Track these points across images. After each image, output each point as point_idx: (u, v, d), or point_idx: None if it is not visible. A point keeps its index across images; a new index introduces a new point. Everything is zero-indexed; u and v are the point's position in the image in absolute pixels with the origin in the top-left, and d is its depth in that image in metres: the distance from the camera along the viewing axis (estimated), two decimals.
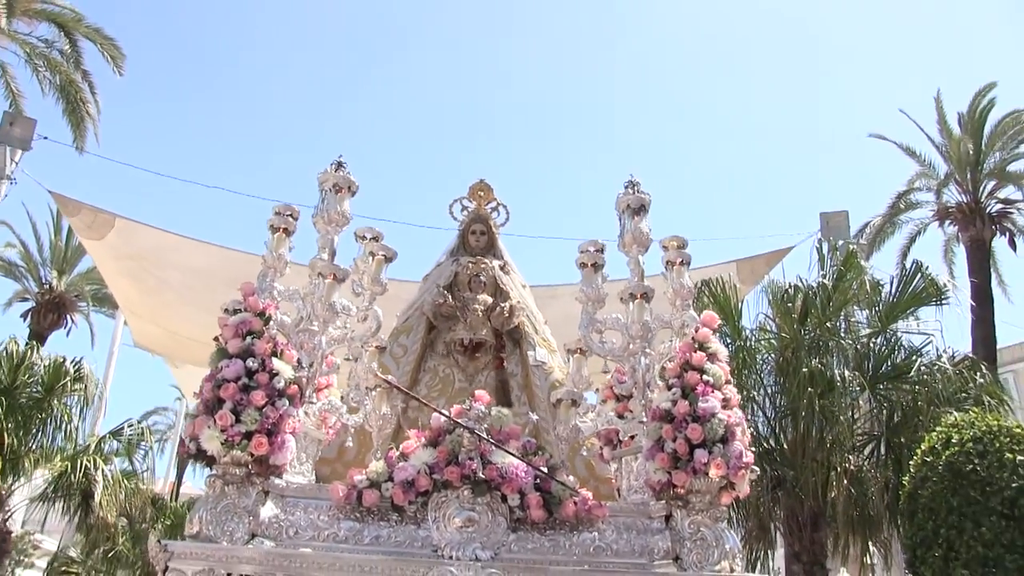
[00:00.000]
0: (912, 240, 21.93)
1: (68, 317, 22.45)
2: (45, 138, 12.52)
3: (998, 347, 19.69)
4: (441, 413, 4.72)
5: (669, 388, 4.78)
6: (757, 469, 4.70)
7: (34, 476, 13.25)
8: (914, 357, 11.26)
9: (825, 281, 11.82)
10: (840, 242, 13.75)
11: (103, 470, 13.04)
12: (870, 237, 21.52)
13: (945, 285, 12.00)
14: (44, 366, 12.87)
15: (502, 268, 6.73)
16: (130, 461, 13.87)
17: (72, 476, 12.70)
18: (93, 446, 13.47)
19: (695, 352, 4.85)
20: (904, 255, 21.49)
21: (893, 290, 11.92)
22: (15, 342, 13.13)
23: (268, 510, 4.47)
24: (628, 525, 4.69)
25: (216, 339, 4.76)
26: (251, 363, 4.52)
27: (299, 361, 4.81)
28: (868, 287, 11.98)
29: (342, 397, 5.30)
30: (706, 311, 5.13)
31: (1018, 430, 7.94)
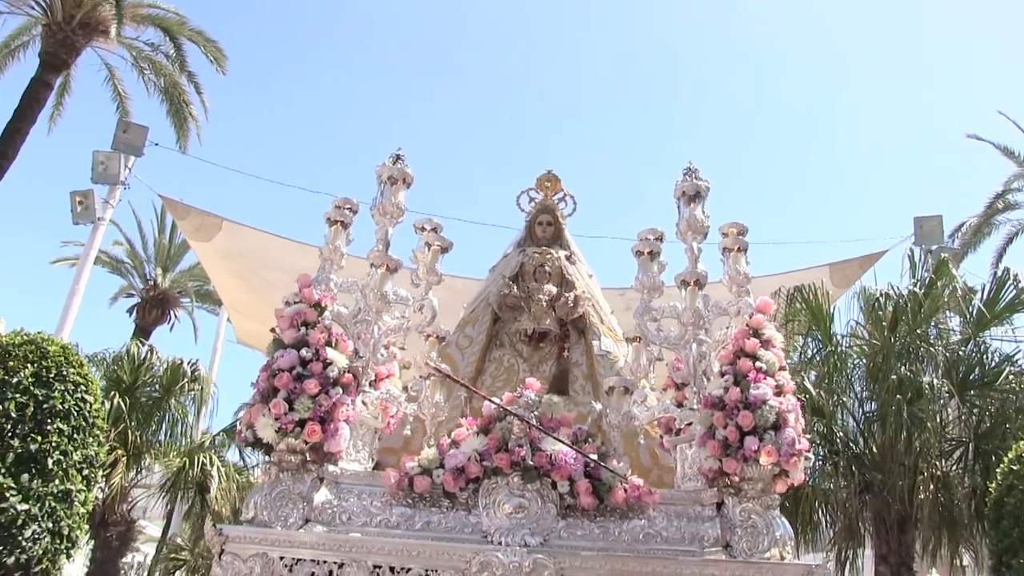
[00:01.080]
0: (1009, 241, 21.43)
1: (171, 313, 23.36)
2: (156, 144, 13.10)
3: None
4: (491, 400, 4.76)
5: (722, 375, 4.72)
6: (812, 456, 4.61)
7: (152, 470, 13.92)
8: (1004, 365, 11.19)
9: (916, 289, 11.78)
10: (934, 247, 13.86)
11: (218, 465, 13.66)
12: (965, 237, 21.06)
13: None
14: (163, 367, 13.60)
15: (568, 258, 6.72)
16: (241, 456, 14.47)
17: (190, 471, 13.33)
18: (208, 442, 14.13)
19: (749, 339, 4.78)
20: (1000, 256, 21.17)
21: (985, 296, 11.80)
22: (137, 344, 13.89)
23: (322, 496, 4.60)
24: (679, 512, 4.65)
25: (273, 330, 4.91)
26: (305, 353, 4.65)
27: (356, 351, 4.92)
28: (960, 294, 11.88)
29: (405, 387, 5.38)
30: (762, 297, 5.01)
31: None
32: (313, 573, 4.31)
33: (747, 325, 4.86)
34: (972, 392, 11.13)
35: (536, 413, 4.72)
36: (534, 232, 6.89)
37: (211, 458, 13.41)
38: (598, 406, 5.68)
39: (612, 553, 4.39)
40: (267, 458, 4.67)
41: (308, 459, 4.60)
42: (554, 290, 6.39)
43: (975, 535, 10.97)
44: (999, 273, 12.26)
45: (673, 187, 5.39)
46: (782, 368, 4.73)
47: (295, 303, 4.97)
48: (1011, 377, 11.02)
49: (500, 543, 4.36)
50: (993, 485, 8.93)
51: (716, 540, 4.49)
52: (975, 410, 11.15)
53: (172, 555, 15.17)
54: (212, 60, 17.49)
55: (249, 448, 4.72)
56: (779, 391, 4.58)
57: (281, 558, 4.33)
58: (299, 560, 4.33)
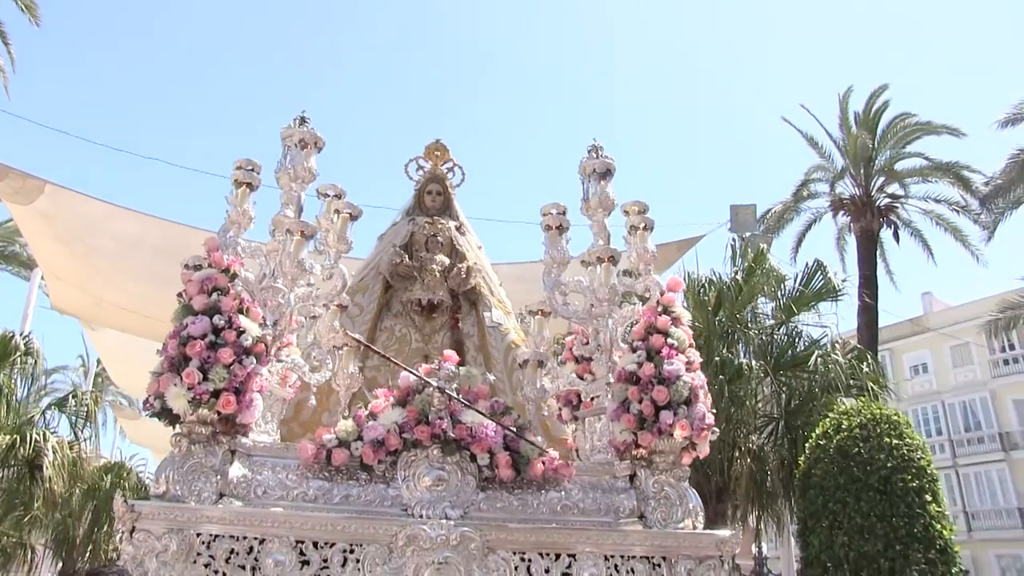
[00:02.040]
0: (808, 228, 23.76)
1: None
2: None
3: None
4: (412, 372, 4.70)
5: (634, 350, 4.85)
6: (718, 430, 4.82)
7: None
8: (812, 348, 12.57)
9: (738, 277, 13.01)
10: (747, 234, 14.98)
11: (53, 443, 12.90)
12: (770, 223, 22.99)
13: (842, 283, 13.59)
14: None
15: (458, 229, 6.70)
16: (73, 431, 13.75)
17: (21, 449, 12.51)
18: (38, 417, 13.35)
19: (659, 316, 4.93)
20: (799, 241, 23.58)
21: (796, 285, 13.24)
22: None
23: (236, 469, 4.40)
24: (593, 484, 4.75)
25: (179, 295, 4.65)
26: (217, 320, 4.42)
27: (264, 319, 4.73)
28: (774, 282, 13.26)
29: (303, 356, 5.23)
30: (672, 275, 5.19)
31: (895, 417, 9.50)
32: (233, 549, 4.14)
33: (657, 302, 5.00)
34: (784, 373, 12.44)
35: (455, 385, 4.70)
36: (423, 201, 6.80)
37: (44, 434, 12.63)
38: (491, 377, 5.73)
39: (532, 524, 4.46)
40: (174, 429, 4.43)
41: (218, 431, 4.39)
42: (447, 261, 6.35)
43: (781, 503, 12.13)
44: (808, 263, 13.67)
45: (578, 164, 5.47)
46: (691, 345, 4.92)
47: (198, 267, 4.71)
48: (818, 359, 12.28)
49: (421, 516, 4.33)
50: (801, 458, 10.10)
51: (632, 511, 4.63)
52: (785, 389, 12.45)
53: None
54: (23, 8, 16.08)
55: (156, 418, 4.43)
56: (690, 367, 4.77)
57: (198, 534, 4.13)
58: (217, 536, 4.15)
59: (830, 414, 10.16)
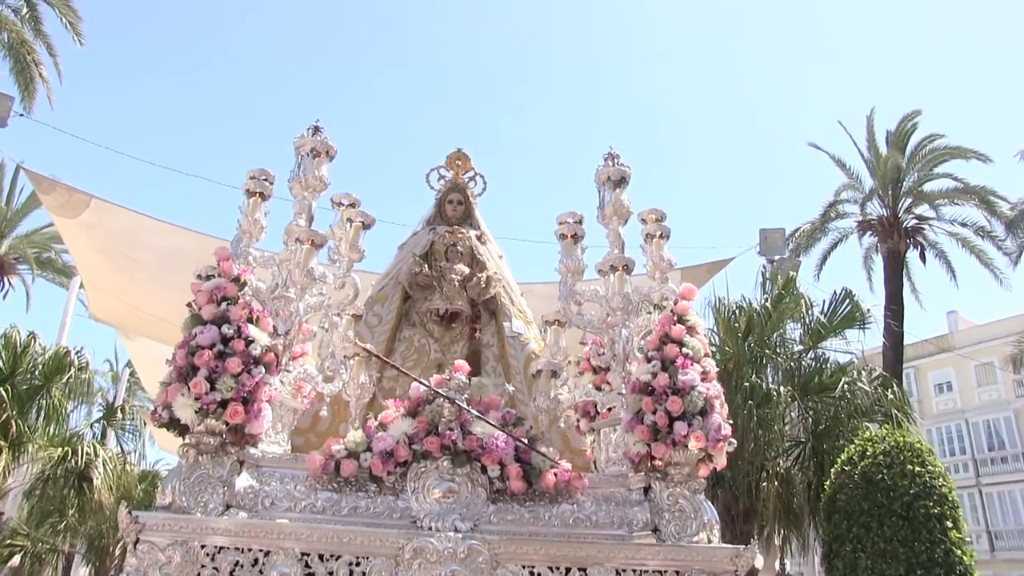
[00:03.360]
0: (834, 247, 23.83)
1: (6, 280, 22.06)
2: (21, 115, 12.32)
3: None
4: (421, 383, 4.65)
5: (648, 360, 4.75)
6: (735, 442, 4.70)
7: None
8: (839, 375, 12.82)
9: (767, 304, 13.25)
10: (777, 257, 15.21)
11: (103, 456, 13.17)
12: (799, 243, 23.38)
13: (869, 311, 13.84)
14: (47, 355, 13.10)
15: (479, 238, 6.63)
16: (118, 443, 14.01)
17: (73, 460, 12.78)
18: (88, 431, 13.65)
19: (674, 325, 4.83)
20: (824, 259, 23.66)
21: (824, 310, 13.50)
22: (17, 331, 13.20)
23: (243, 480, 4.39)
24: (607, 497, 4.67)
25: (189, 305, 4.64)
26: (226, 329, 4.41)
27: (275, 328, 4.71)
28: (803, 309, 13.51)
29: (317, 366, 5.20)
30: (685, 284, 5.09)
31: (918, 445, 9.69)
32: (237, 562, 4.11)
33: (672, 312, 4.90)
34: (811, 397, 12.70)
35: (466, 396, 4.64)
36: (444, 211, 6.75)
37: (94, 447, 12.92)
38: (510, 388, 5.65)
39: (545, 538, 4.38)
40: (183, 440, 4.42)
41: (227, 441, 4.37)
42: (466, 270, 6.28)
43: (806, 525, 12.65)
44: (837, 291, 13.83)
45: (594, 173, 5.40)
46: (706, 355, 4.81)
47: (210, 276, 4.70)
48: (845, 385, 12.57)
49: (430, 528, 4.27)
50: (827, 483, 10.36)
51: (645, 524, 4.52)
52: (812, 413, 12.74)
53: (7, 540, 14.38)
54: (67, 25, 16.46)
55: (164, 428, 4.43)
56: (705, 377, 4.66)
57: (203, 546, 4.10)
58: (222, 548, 4.12)
59: (856, 440, 10.39)
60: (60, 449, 12.86)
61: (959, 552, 8.84)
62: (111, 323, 13.22)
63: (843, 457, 10.09)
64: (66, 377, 13.09)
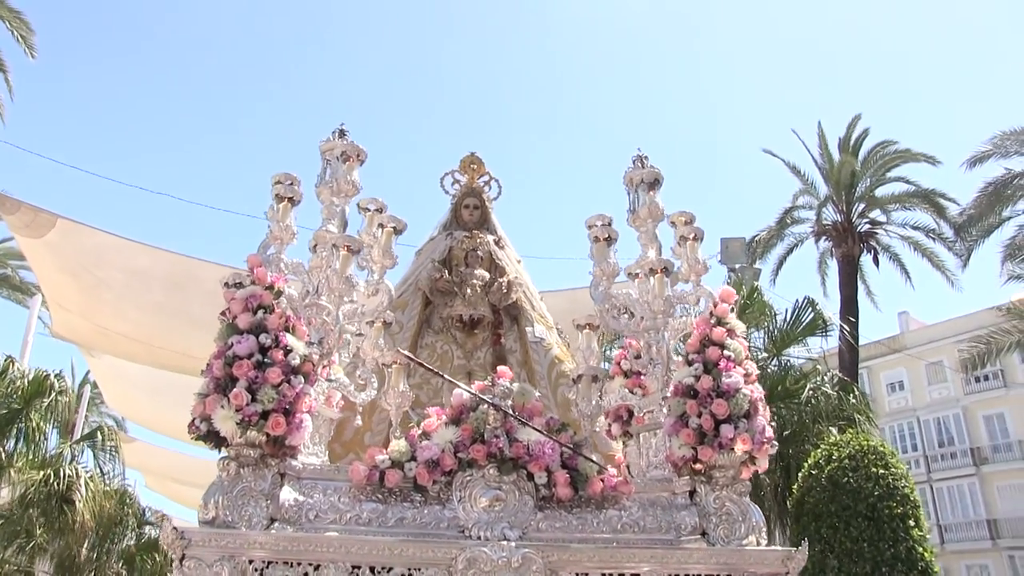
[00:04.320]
0: (790, 252, 24.78)
1: None
2: None
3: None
4: (466, 389, 4.57)
5: (690, 363, 4.71)
6: (777, 444, 4.68)
7: None
8: (803, 382, 13.46)
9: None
10: (738, 265, 15.72)
11: (85, 478, 12.98)
12: (756, 247, 24.17)
13: (830, 318, 14.51)
14: (26, 380, 13.06)
15: (497, 243, 6.56)
16: (97, 464, 13.85)
17: (55, 483, 12.57)
18: (69, 454, 13.46)
19: (714, 327, 4.79)
20: (780, 264, 24.60)
21: (787, 319, 14.03)
22: None
23: (287, 493, 4.25)
24: (653, 501, 4.61)
25: (223, 314, 4.51)
26: (264, 339, 4.28)
27: (308, 337, 4.60)
28: (767, 317, 14.05)
29: (347, 374, 5.09)
30: (723, 286, 5.07)
31: (882, 448, 10.22)
32: None
33: (711, 314, 4.87)
34: (777, 403, 12.80)
35: (510, 402, 4.56)
36: (460, 216, 6.66)
37: (76, 470, 12.73)
38: (536, 393, 5.58)
39: (596, 545, 4.32)
40: (221, 453, 4.28)
41: (266, 453, 4.25)
42: (487, 275, 6.21)
43: (776, 528, 12.85)
44: (799, 300, 14.35)
45: (622, 174, 5.35)
46: (747, 357, 4.79)
47: (238, 284, 4.56)
48: (809, 391, 13.27)
49: (479, 537, 4.19)
50: (795, 486, 10.82)
51: (693, 528, 4.48)
52: (777, 419, 12.67)
53: None
54: (19, 38, 16.01)
55: (201, 441, 4.29)
56: (747, 379, 4.64)
57: (250, 561, 3.98)
58: (271, 563, 4.00)
59: (821, 444, 10.90)
60: (40, 472, 12.65)
61: (920, 549, 9.39)
62: (74, 340, 13.01)
63: (810, 461, 10.54)
64: (46, 401, 12.95)
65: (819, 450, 10.57)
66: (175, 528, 3.97)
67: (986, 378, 34.43)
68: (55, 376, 13.45)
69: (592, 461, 4.50)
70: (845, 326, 19.19)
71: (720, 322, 4.82)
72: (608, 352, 10.11)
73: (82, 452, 14.44)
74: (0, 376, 12.74)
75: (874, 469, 9.76)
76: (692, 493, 4.60)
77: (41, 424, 13.01)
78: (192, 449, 17.70)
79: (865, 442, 10.30)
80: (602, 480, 4.48)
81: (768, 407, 12.11)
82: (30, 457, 12.87)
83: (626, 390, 5.30)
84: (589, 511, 4.47)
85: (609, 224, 5.26)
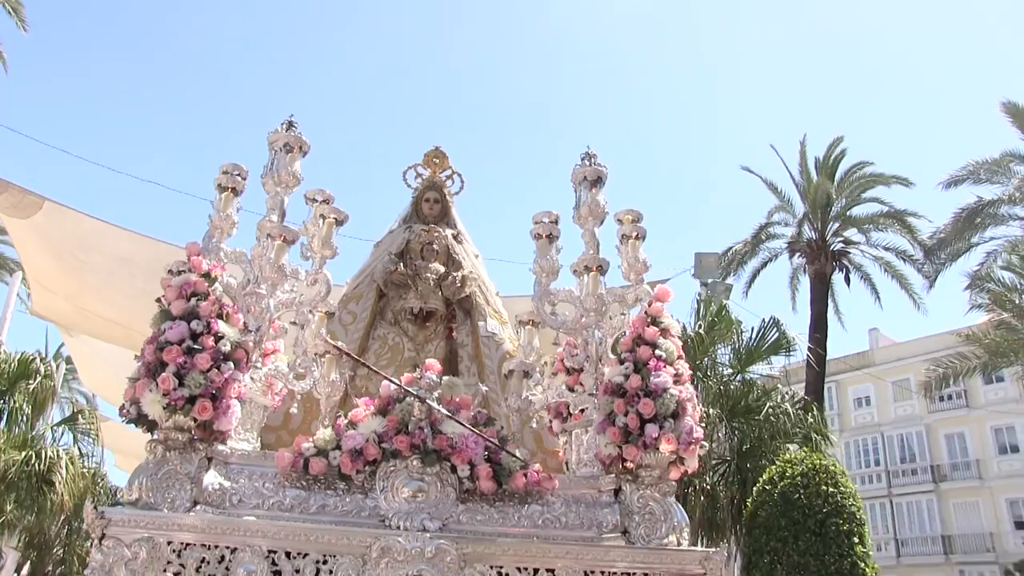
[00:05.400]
0: (763, 266, 25.33)
1: None
2: None
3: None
4: (392, 381, 4.62)
5: (621, 362, 4.74)
6: (706, 444, 4.70)
7: None
8: (764, 399, 13.81)
9: (701, 331, 14.11)
10: (710, 280, 16.01)
11: (65, 459, 13.17)
12: (730, 260, 24.62)
13: (794, 338, 14.96)
14: (13, 363, 13.17)
15: (455, 237, 6.59)
16: (76, 445, 14.05)
17: (37, 464, 12.76)
18: (49, 435, 13.67)
19: (648, 326, 4.82)
20: (753, 278, 25.12)
21: (753, 336, 14.44)
22: None
23: (211, 477, 4.35)
24: (577, 498, 4.65)
25: (159, 300, 4.60)
26: (195, 325, 4.37)
27: (245, 325, 4.67)
28: (735, 333, 14.47)
29: (288, 364, 5.17)
30: (660, 285, 5.09)
31: (833, 468, 10.68)
32: (204, 559, 4.07)
33: (645, 313, 4.90)
34: (738, 419, 13.56)
35: (437, 394, 4.61)
36: (421, 209, 6.70)
37: (58, 451, 12.94)
38: (484, 388, 5.63)
39: (514, 539, 4.36)
40: (151, 436, 4.38)
41: (195, 437, 4.33)
42: (441, 269, 6.23)
43: (730, 539, 13.42)
44: (765, 319, 14.77)
45: (571, 171, 5.37)
46: (680, 357, 4.80)
47: (180, 272, 4.66)
48: (769, 408, 13.61)
49: (399, 527, 4.25)
50: (750, 499, 11.30)
51: (615, 526, 4.52)
52: (738, 434, 13.57)
53: None
54: (11, 11, 15.98)
55: (132, 424, 4.39)
56: (678, 379, 4.65)
57: (169, 543, 4.06)
58: (188, 545, 4.09)
59: (777, 461, 11.34)
60: (22, 452, 12.85)
61: (863, 565, 9.87)
62: (54, 320, 13.13)
63: (765, 477, 11.02)
64: (32, 384, 13.16)
65: (774, 467, 11.07)
66: (95, 507, 4.07)
67: (949, 398, 35.21)
68: (40, 360, 13.61)
69: (515, 456, 4.54)
70: (812, 347, 19.87)
71: (654, 321, 4.84)
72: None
73: (62, 433, 14.60)
74: None
75: (824, 487, 10.26)
76: (618, 491, 4.63)
77: (24, 406, 13.18)
78: None
79: (818, 461, 10.80)
80: (525, 475, 4.52)
81: (729, 422, 12.60)
82: (13, 436, 13.04)
83: (563, 387, 5.33)
84: (511, 505, 4.52)
85: (554, 222, 5.28)
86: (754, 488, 11.28)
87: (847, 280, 25.04)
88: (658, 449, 4.46)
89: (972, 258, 22.28)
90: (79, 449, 14.28)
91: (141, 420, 4.33)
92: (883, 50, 64.85)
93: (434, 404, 4.51)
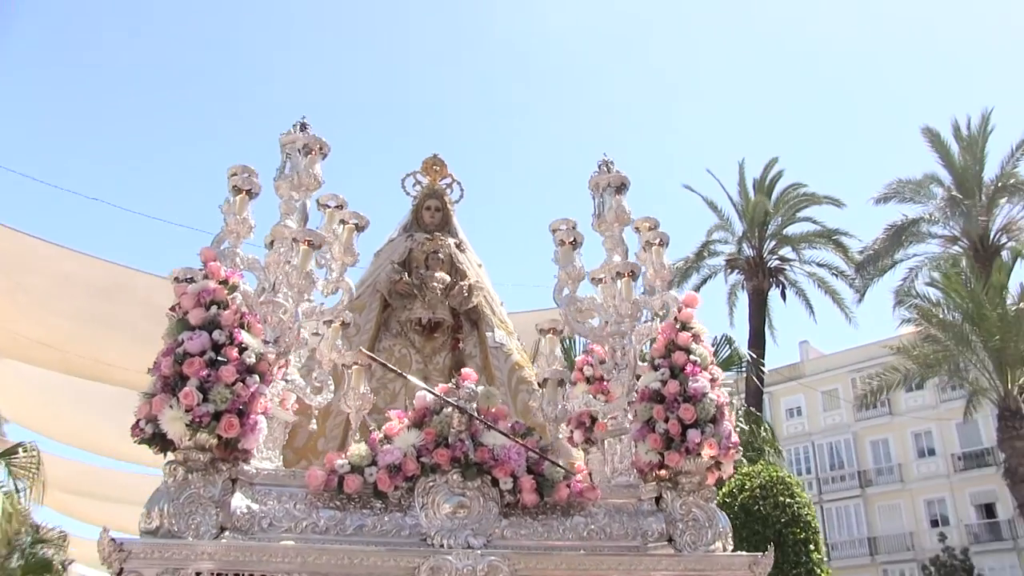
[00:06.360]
0: (704, 282, 26.44)
1: None
2: None
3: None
4: (431, 391, 4.40)
5: (656, 368, 4.61)
6: (742, 449, 4.62)
7: None
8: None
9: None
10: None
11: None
12: (674, 277, 24.29)
13: (746, 355, 16.16)
14: None
15: (458, 246, 6.39)
16: (13, 483, 13.25)
17: None
18: None
19: (679, 332, 4.71)
20: (696, 291, 25.20)
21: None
22: None
23: (238, 500, 4.02)
24: (619, 508, 4.52)
25: (172, 309, 4.27)
26: (217, 336, 4.06)
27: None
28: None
29: (303, 375, 4.90)
30: (688, 291, 4.99)
31: (788, 479, 11.28)
32: None
33: (676, 319, 4.79)
34: None
35: (474, 405, 4.41)
36: (421, 217, 6.47)
37: None
38: (500, 397, 5.45)
39: (562, 552, 4.19)
40: (167, 457, 4.03)
41: (216, 457, 4.01)
42: (448, 278, 6.03)
43: None
44: (717, 337, 15.58)
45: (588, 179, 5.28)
46: (712, 362, 4.71)
47: (189, 279, 4.32)
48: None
49: (442, 545, 4.04)
50: None
51: (660, 535, 4.40)
52: None
53: None
54: None
55: (146, 444, 4.04)
56: (714, 384, 4.56)
57: (198, 574, 3.73)
58: (219, 575, 3.78)
59: (736, 475, 11.42)
60: None
61: (818, 571, 10.50)
62: None
63: (724, 489, 11.08)
64: None
65: (734, 479, 11.27)
66: (113, 539, 3.69)
67: (874, 406, 36.60)
68: None
69: (559, 466, 4.37)
70: (752, 355, 20.20)
71: (685, 327, 4.74)
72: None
73: None
74: None
75: (782, 498, 10.75)
76: (658, 499, 4.52)
77: None
78: (95, 459, 17.17)
79: (775, 473, 11.31)
80: (568, 486, 4.35)
81: None
82: None
83: (589, 396, 5.18)
84: (555, 518, 4.35)
85: (574, 228, 5.17)
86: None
87: (783, 296, 26.20)
88: (699, 455, 4.35)
89: (897, 273, 24.09)
90: (15, 485, 13.41)
91: (156, 440, 3.97)
92: (816, 74, 67.17)
93: (475, 415, 4.30)
